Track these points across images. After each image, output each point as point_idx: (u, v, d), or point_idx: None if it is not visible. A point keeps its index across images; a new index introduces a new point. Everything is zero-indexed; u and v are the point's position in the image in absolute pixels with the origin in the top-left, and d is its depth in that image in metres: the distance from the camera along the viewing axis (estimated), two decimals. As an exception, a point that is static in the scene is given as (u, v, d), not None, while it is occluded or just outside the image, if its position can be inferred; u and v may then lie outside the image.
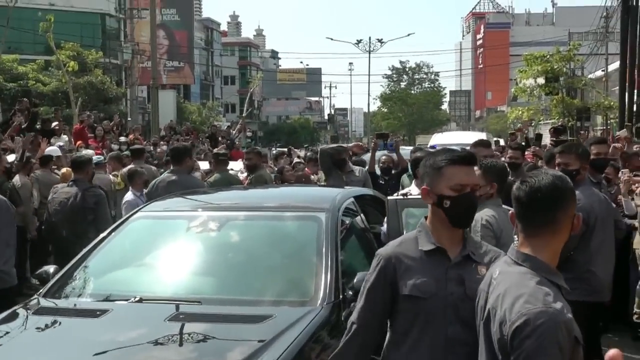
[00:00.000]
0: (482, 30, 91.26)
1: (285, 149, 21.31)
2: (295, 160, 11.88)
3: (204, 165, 11.11)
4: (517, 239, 2.40)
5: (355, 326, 2.85)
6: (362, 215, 5.01)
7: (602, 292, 5.06)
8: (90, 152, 11.13)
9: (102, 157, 10.15)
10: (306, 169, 10.52)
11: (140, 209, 5.15)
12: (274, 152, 19.30)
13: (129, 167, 9.32)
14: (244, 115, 28.78)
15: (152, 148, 15.14)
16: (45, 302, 4.17)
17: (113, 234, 4.78)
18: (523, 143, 13.04)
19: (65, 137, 14.42)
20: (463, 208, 2.80)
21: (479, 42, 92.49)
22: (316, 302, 3.81)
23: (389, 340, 2.86)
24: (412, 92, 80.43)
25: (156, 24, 42.79)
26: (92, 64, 32.86)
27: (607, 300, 5.19)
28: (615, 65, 32.40)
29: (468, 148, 6.53)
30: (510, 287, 2.26)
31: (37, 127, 14.04)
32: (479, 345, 2.41)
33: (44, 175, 9.27)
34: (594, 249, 4.94)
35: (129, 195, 7.77)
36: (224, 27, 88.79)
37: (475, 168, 4.34)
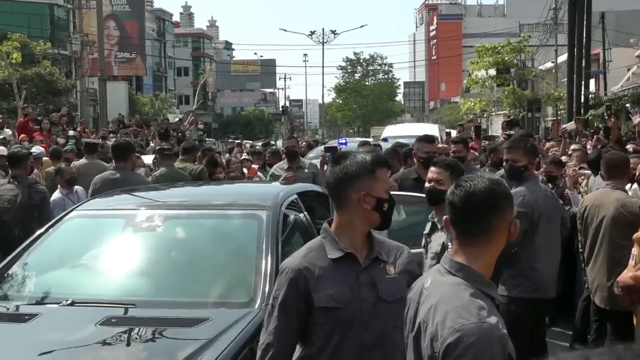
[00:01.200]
0: (435, 22, 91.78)
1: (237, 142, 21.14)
2: (243, 157, 11.64)
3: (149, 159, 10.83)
4: (451, 246, 2.27)
5: (272, 349, 2.64)
6: (305, 212, 4.90)
7: (546, 289, 5.03)
8: (39, 148, 10.80)
9: (40, 151, 9.75)
10: (252, 166, 10.30)
11: (75, 207, 4.98)
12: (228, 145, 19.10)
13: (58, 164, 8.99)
14: (194, 107, 28.44)
15: (100, 141, 14.78)
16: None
17: (47, 234, 4.60)
18: (473, 134, 13.09)
19: (8, 131, 14.02)
20: (392, 210, 2.78)
21: (432, 34, 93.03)
22: (255, 303, 3.71)
23: (303, 355, 2.71)
24: (367, 83, 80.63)
25: (106, 15, 42.00)
26: (40, 55, 32.05)
27: (552, 296, 5.18)
28: (564, 57, 32.95)
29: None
30: (442, 299, 2.11)
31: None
32: (406, 356, 2.29)
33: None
34: (538, 246, 4.92)
35: (56, 194, 7.50)
36: (176, 17, 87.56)
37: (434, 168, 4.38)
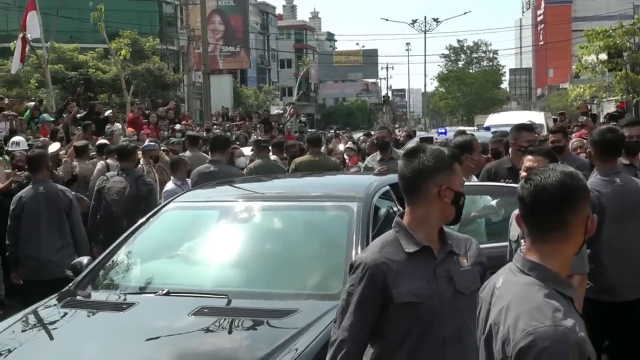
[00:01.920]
0: (542, 6, 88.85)
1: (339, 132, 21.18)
2: (348, 145, 11.59)
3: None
4: (523, 243, 2.14)
5: (346, 347, 2.57)
6: (397, 203, 4.84)
7: (613, 290, 4.58)
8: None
9: (151, 143, 10.01)
10: (352, 156, 10.28)
11: (173, 199, 5.12)
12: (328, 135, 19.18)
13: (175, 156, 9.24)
14: (295, 98, 28.76)
15: (204, 134, 15.17)
16: (75, 295, 4.18)
17: (145, 225, 4.76)
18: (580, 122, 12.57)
19: (118, 125, 14.61)
20: (463, 204, 2.76)
21: (539, 18, 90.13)
22: (345, 295, 3.69)
23: (378, 352, 2.64)
24: (470, 71, 79.09)
25: (211, 10, 43.14)
26: (150, 51, 33.31)
27: (625, 300, 4.64)
28: (682, 38, 31.08)
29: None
30: (514, 300, 1.98)
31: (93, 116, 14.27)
32: (478, 356, 2.18)
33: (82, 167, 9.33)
34: (604, 244, 4.49)
35: (169, 185, 7.72)
36: (279, 10, 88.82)
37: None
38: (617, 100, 32.58)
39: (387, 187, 4.84)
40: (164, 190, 7.52)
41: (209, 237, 4.69)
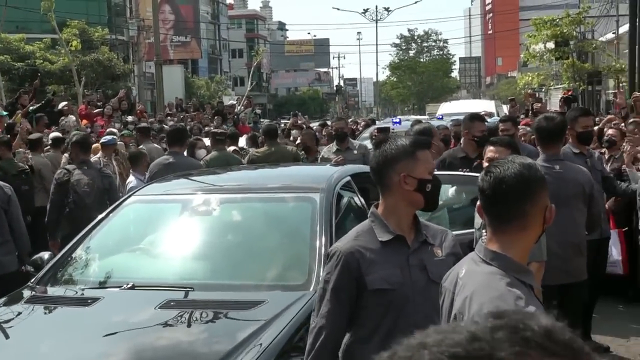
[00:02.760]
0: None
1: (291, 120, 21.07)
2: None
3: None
4: (485, 233, 2.24)
5: (325, 332, 2.67)
6: (359, 194, 4.91)
7: (548, 274, 4.76)
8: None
9: (112, 137, 9.85)
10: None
11: (133, 192, 5.09)
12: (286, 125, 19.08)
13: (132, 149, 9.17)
14: (248, 89, 28.61)
15: (157, 125, 15.01)
16: (37, 290, 4.14)
17: (106, 219, 4.72)
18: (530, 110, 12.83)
19: (72, 118, 14.35)
20: (436, 191, 2.79)
21: (488, 7, 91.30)
22: (310, 286, 3.74)
23: (353, 339, 2.73)
24: (421, 60, 79.73)
25: (161, -1, 42.60)
26: (99, 41, 32.71)
27: (559, 283, 4.74)
28: (626, 27, 31.87)
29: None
30: (477, 289, 2.04)
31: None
32: None
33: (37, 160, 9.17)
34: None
35: (132, 180, 7.65)
36: (230, 0, 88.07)
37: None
38: (564, 88, 33.26)
39: (349, 178, 4.90)
40: (128, 186, 7.44)
41: (171, 230, 4.69)
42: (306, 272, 3.86)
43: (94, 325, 3.62)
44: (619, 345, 5.91)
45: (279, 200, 4.61)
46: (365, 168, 6.06)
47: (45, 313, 3.91)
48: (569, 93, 26.33)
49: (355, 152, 8.02)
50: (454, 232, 3.00)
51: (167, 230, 4.71)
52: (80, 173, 7.01)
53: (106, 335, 3.47)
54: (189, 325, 3.58)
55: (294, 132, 12.83)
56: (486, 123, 6.69)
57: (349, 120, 19.48)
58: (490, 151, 4.36)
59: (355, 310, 2.71)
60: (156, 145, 10.26)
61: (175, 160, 6.73)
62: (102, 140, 8.94)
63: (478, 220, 4.24)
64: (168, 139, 7.27)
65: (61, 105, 14.82)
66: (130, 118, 16.01)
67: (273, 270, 4.14)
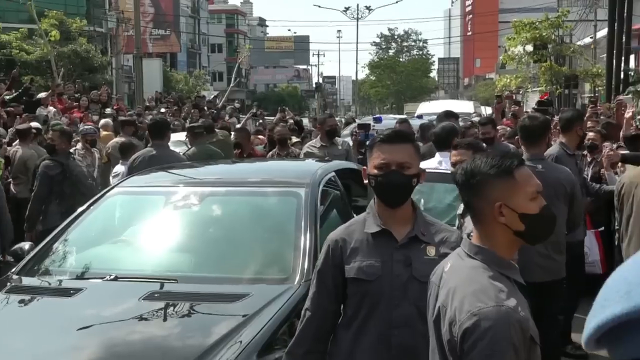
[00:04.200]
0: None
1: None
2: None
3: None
4: (465, 221, 2.26)
5: (308, 313, 2.81)
6: (342, 190, 4.92)
7: (524, 272, 4.82)
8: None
9: (92, 127, 9.79)
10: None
11: (117, 184, 5.06)
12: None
13: (121, 140, 9.10)
14: (232, 85, 28.56)
15: (136, 119, 14.90)
16: (18, 281, 4.10)
17: (89, 210, 4.69)
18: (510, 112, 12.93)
19: (52, 109, 14.20)
20: (386, 186, 2.74)
21: (468, 9, 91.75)
22: (294, 279, 3.75)
23: (339, 323, 2.83)
24: (401, 59, 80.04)
25: (141, -8, 42.23)
26: (77, 33, 32.35)
27: (534, 281, 4.87)
28: (603, 32, 32.22)
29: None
30: (460, 282, 2.04)
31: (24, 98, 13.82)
32: (429, 341, 2.23)
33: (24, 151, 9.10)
34: None
35: (119, 168, 7.60)
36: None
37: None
38: (542, 91, 33.54)
39: (333, 174, 4.92)
40: (115, 172, 7.47)
41: (155, 222, 4.65)
42: (290, 266, 3.86)
43: (76, 316, 3.58)
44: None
45: (264, 194, 4.61)
46: (349, 164, 6.12)
47: (24, 303, 3.86)
48: (546, 97, 26.59)
49: (340, 147, 8.05)
50: None
51: (151, 222, 4.68)
52: (75, 165, 7.11)
53: (86, 327, 3.43)
54: (171, 318, 3.55)
55: (278, 128, 12.77)
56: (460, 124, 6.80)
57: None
58: (453, 155, 4.40)
59: (343, 297, 2.80)
60: (135, 139, 10.19)
61: (158, 153, 6.68)
62: (81, 130, 8.95)
63: (461, 207, 4.28)
64: (150, 131, 7.23)
65: (42, 95, 14.65)
66: (108, 110, 15.88)
67: (257, 264, 4.13)
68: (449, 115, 7.39)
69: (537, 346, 2.00)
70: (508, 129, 9.18)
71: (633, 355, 0.97)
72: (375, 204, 2.82)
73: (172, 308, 3.60)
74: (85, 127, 9.38)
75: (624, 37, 19.20)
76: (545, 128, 5.16)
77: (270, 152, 8.67)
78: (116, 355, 3.27)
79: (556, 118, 8.58)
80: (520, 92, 40.71)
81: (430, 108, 21.02)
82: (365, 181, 2.82)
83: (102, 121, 12.25)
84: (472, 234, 2.20)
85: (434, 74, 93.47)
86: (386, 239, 2.74)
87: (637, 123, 9.29)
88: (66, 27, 30.45)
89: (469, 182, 2.10)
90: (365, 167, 2.83)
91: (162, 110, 18.16)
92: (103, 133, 10.71)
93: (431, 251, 2.73)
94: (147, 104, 20.63)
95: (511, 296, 1.96)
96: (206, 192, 4.69)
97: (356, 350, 2.72)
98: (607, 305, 0.99)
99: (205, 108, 19.48)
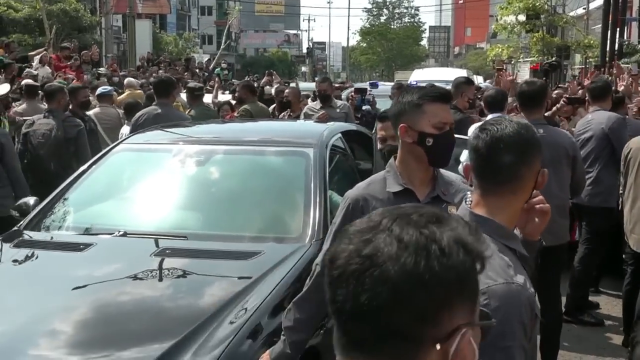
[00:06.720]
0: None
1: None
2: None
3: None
4: (469, 196, 2.06)
5: (318, 268, 2.76)
6: (349, 151, 4.93)
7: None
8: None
9: (109, 88, 9.64)
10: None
11: (122, 140, 5.02)
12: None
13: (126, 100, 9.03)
14: (222, 48, 28.31)
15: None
16: (26, 235, 4.08)
17: (95, 166, 4.65)
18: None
19: (47, 69, 14.02)
20: (445, 146, 2.73)
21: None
22: (305, 239, 3.76)
23: None
24: (392, 27, 79.49)
25: (131, -49, 41.48)
26: (65, -9, 31.83)
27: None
28: (596, 3, 32.10)
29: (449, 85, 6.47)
30: None
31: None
32: None
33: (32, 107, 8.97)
34: None
35: (126, 129, 7.54)
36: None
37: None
38: (533, 62, 33.51)
39: (339, 135, 4.92)
40: (122, 134, 7.36)
41: (163, 178, 4.58)
42: (301, 225, 3.87)
43: (88, 271, 3.57)
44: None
45: (273, 153, 4.58)
46: (353, 127, 6.12)
47: (35, 257, 3.83)
48: (535, 67, 26.52)
49: (338, 110, 8.04)
50: None
51: (159, 178, 4.62)
52: (40, 123, 6.92)
53: (99, 283, 3.42)
54: (187, 275, 3.53)
55: (267, 88, 12.66)
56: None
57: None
58: (380, 129, 4.11)
59: None
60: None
61: (163, 111, 6.63)
62: (99, 91, 8.82)
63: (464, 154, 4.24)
64: (155, 89, 7.15)
65: (36, 53, 14.46)
66: (102, 70, 15.71)
67: (268, 223, 4.13)
68: (470, 81, 7.35)
69: (538, 321, 1.93)
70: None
71: None
72: (400, 162, 2.79)
73: (183, 264, 3.59)
74: (103, 87, 9.26)
75: (619, 8, 19.15)
76: (543, 92, 5.17)
77: (282, 114, 8.57)
78: (124, 313, 3.21)
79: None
80: (512, 62, 40.67)
81: (423, 75, 20.99)
82: (409, 140, 2.67)
83: (127, 80, 12.19)
84: (468, 201, 2.05)
85: (424, 42, 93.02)
86: (408, 198, 2.72)
87: None
88: (55, -16, 29.96)
89: (519, 149, 1.97)
90: (404, 125, 2.68)
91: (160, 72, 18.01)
92: (127, 92, 10.70)
93: (452, 211, 2.73)
94: (139, 64, 20.43)
95: (518, 271, 1.87)
96: (215, 150, 4.65)
97: None
98: None
99: (197, 70, 19.35)
